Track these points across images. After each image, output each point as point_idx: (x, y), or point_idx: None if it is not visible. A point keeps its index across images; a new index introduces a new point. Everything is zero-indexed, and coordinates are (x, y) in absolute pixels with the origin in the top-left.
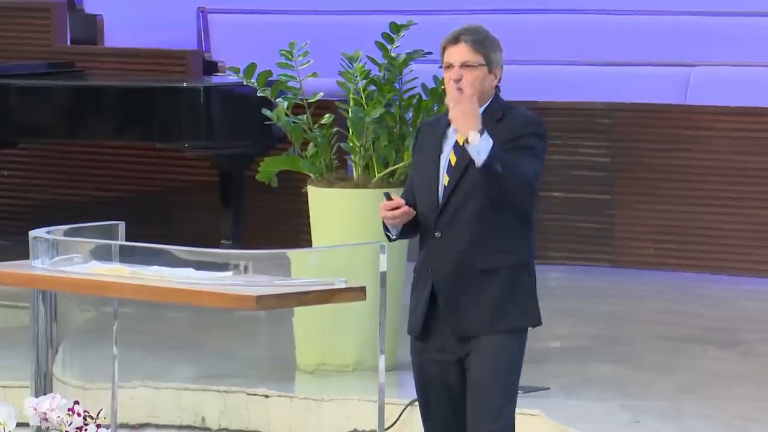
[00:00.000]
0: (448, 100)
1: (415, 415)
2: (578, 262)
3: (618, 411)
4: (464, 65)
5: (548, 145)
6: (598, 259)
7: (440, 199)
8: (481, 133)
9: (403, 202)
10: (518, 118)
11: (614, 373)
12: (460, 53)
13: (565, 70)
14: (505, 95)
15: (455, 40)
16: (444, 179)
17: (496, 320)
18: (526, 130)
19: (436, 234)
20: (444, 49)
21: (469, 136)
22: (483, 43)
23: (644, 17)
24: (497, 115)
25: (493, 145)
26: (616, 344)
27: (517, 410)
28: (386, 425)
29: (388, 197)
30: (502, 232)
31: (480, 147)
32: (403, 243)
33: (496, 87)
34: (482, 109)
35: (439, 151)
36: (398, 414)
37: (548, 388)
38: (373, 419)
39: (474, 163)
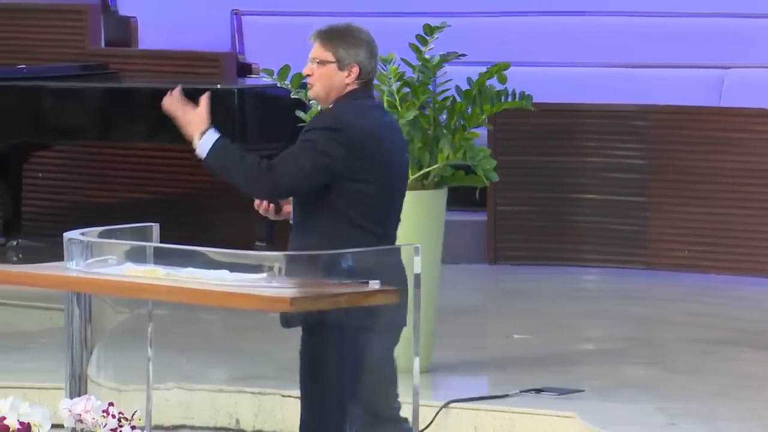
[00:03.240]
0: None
1: (449, 417)
2: (612, 265)
3: (653, 413)
4: (313, 61)
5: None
6: (632, 261)
7: None
8: (203, 134)
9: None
10: (323, 114)
11: (649, 375)
12: (313, 49)
13: (599, 73)
14: (540, 97)
15: (312, 37)
16: None
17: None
18: (315, 124)
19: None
20: None
21: (193, 142)
22: (332, 40)
23: (679, 19)
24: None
25: (214, 144)
26: (650, 346)
27: (551, 412)
28: (421, 427)
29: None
30: (308, 227)
31: (202, 147)
32: (438, 244)
33: (363, 83)
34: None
35: None
36: (432, 416)
37: (582, 391)
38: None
39: None
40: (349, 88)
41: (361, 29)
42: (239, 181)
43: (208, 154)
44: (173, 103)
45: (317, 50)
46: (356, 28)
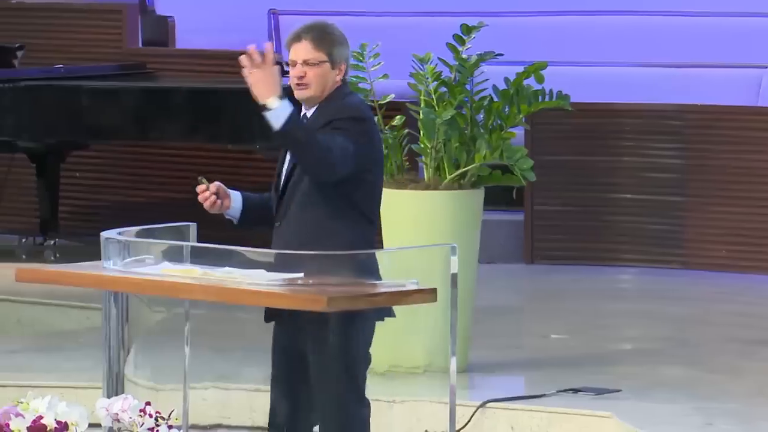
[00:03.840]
0: (243, 63)
1: (486, 416)
2: (649, 264)
3: (690, 413)
4: (306, 62)
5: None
6: (669, 261)
7: (281, 186)
8: (281, 98)
9: (207, 188)
10: (338, 106)
11: (686, 375)
12: (302, 51)
13: (637, 72)
14: (577, 97)
15: (298, 38)
16: (287, 165)
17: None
18: (340, 114)
19: (276, 224)
20: (289, 46)
21: (267, 102)
22: (324, 40)
23: (716, 19)
24: (327, 105)
25: (292, 113)
26: (687, 346)
27: (588, 412)
28: (457, 427)
29: (201, 182)
30: (324, 219)
31: (278, 113)
32: (475, 244)
33: (343, 80)
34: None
35: None
36: (469, 416)
37: (620, 390)
38: (444, 421)
39: None
40: (336, 85)
41: (336, 26)
42: (313, 156)
43: (287, 121)
44: (257, 58)
45: (308, 51)
46: (333, 25)
